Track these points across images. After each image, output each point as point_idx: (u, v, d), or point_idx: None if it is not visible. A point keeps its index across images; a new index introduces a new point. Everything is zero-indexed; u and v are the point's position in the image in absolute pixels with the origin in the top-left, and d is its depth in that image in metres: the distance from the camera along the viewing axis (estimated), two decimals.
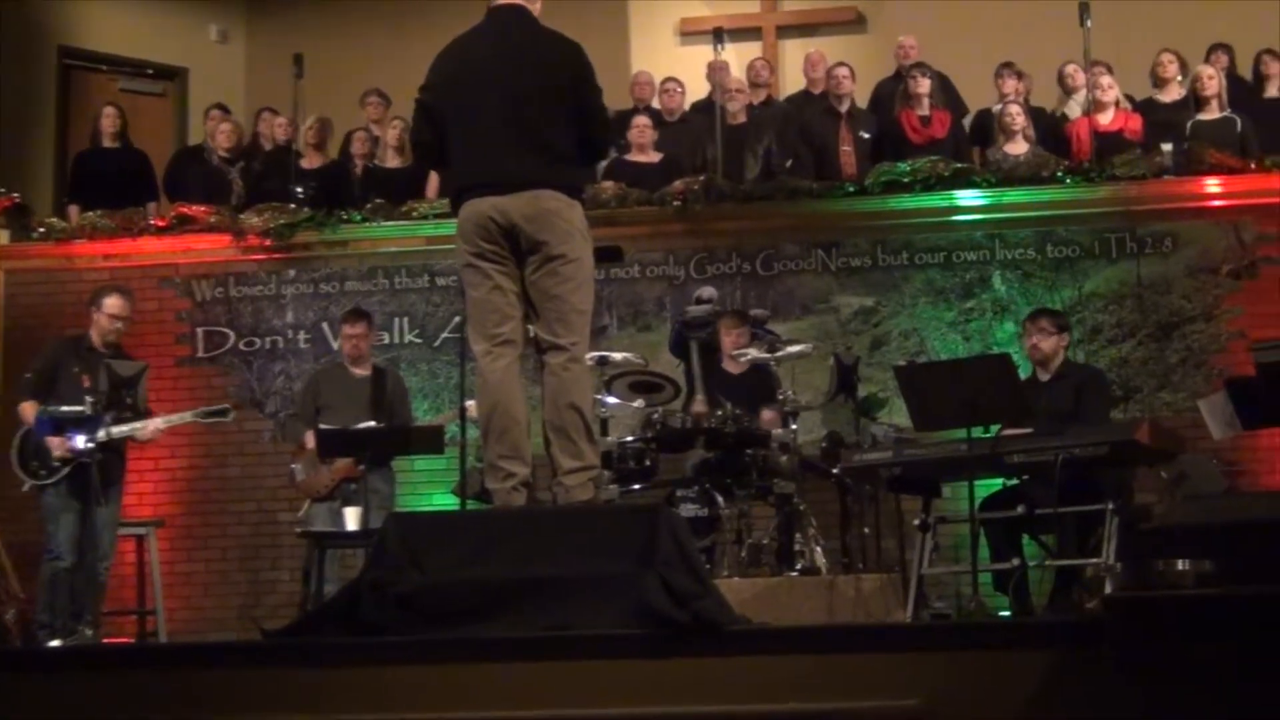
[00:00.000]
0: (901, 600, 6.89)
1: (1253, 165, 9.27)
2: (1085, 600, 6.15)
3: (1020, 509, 6.67)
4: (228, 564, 9.42)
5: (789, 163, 9.97)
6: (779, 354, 7.66)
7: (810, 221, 9.56)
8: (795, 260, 9.49)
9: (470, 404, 6.68)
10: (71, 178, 10.95)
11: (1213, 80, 9.73)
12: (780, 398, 7.56)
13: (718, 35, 10.17)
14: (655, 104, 10.70)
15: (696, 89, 10.89)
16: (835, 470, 7.72)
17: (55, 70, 12.31)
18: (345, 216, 9.75)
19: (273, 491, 9.30)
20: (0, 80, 11.61)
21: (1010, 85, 10.29)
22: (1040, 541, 7.13)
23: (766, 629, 4.89)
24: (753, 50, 11.96)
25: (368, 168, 10.29)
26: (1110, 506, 6.32)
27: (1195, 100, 9.75)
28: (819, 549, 7.24)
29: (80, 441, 7.85)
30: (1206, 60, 10.11)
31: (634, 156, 9.92)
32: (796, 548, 7.16)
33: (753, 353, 7.78)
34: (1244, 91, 10.09)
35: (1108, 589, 5.69)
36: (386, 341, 9.54)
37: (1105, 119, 9.81)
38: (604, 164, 9.47)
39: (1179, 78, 10.03)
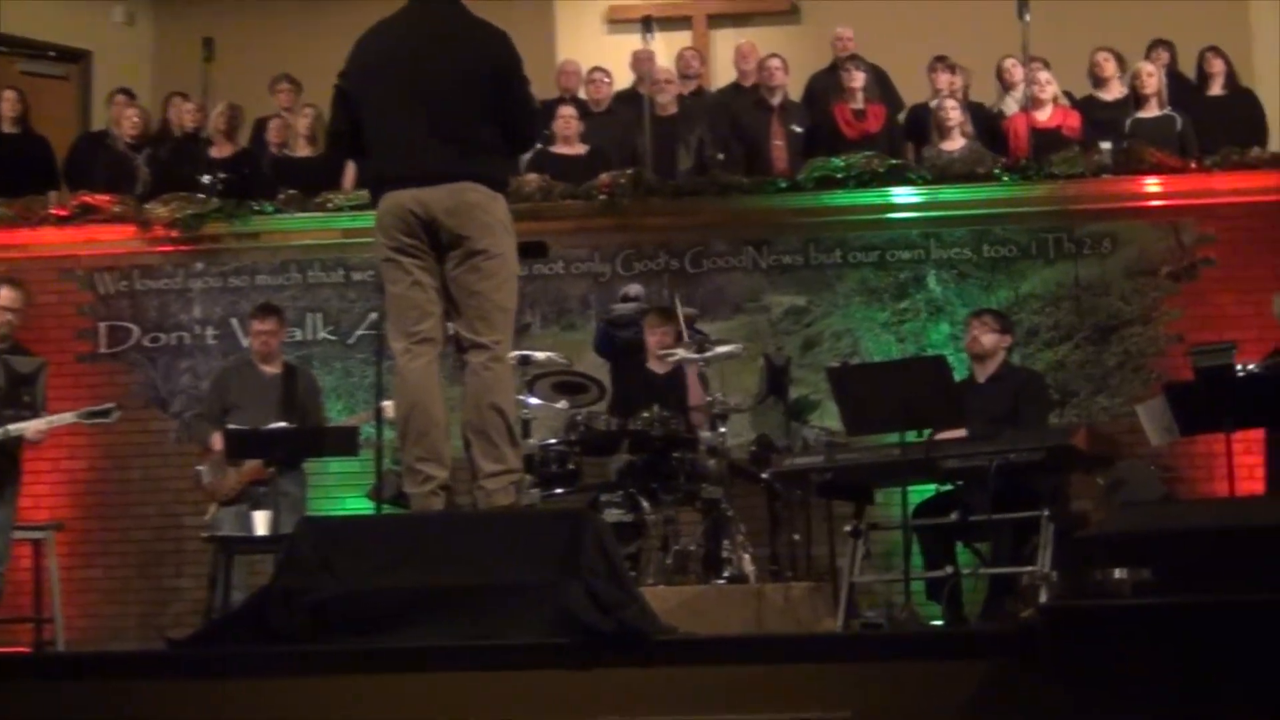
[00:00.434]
0: (832, 609, 6.92)
1: (1193, 165, 9.39)
2: (1020, 609, 6.19)
3: (954, 515, 6.71)
4: (129, 570, 9.31)
5: (720, 155, 9.98)
6: (708, 354, 7.68)
7: (741, 218, 9.58)
8: (725, 258, 9.51)
9: (387, 404, 6.66)
10: None
11: (1152, 78, 9.84)
12: (708, 400, 7.58)
13: (646, 24, 10.18)
14: (581, 94, 10.70)
15: (625, 79, 10.89)
16: (765, 475, 7.74)
17: None
18: (256, 207, 9.66)
19: (178, 494, 9.20)
20: None
21: (944, 80, 10.36)
22: (974, 549, 7.18)
23: (693, 638, 4.90)
24: (682, 40, 11.99)
25: (278, 157, 10.21)
26: (1046, 513, 6.37)
27: (1135, 98, 9.86)
28: (747, 556, 7.27)
29: None
30: (1147, 57, 10.22)
31: (559, 148, 9.91)
32: (724, 555, 7.19)
33: (680, 353, 7.79)
34: (1186, 90, 10.21)
35: (1043, 598, 5.73)
36: (299, 338, 9.47)
37: (1043, 116, 9.90)
38: (527, 156, 9.46)
39: (1119, 75, 10.13)
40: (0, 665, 5.47)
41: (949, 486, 7.06)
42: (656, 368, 8.30)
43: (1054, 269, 9.35)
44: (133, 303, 9.64)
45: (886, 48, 10.99)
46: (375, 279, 8.53)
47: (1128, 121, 9.79)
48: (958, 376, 7.39)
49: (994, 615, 6.79)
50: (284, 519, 7.59)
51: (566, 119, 9.96)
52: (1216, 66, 10.11)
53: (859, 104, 10.07)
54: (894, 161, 9.50)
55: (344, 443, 8.15)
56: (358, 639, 4.56)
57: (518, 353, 7.30)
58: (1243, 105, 10.07)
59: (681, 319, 8.10)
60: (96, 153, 10.52)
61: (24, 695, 4.51)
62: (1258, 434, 8.12)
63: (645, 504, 7.24)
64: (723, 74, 11.81)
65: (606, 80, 10.66)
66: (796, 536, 7.88)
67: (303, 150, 10.17)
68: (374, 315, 9.09)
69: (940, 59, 10.47)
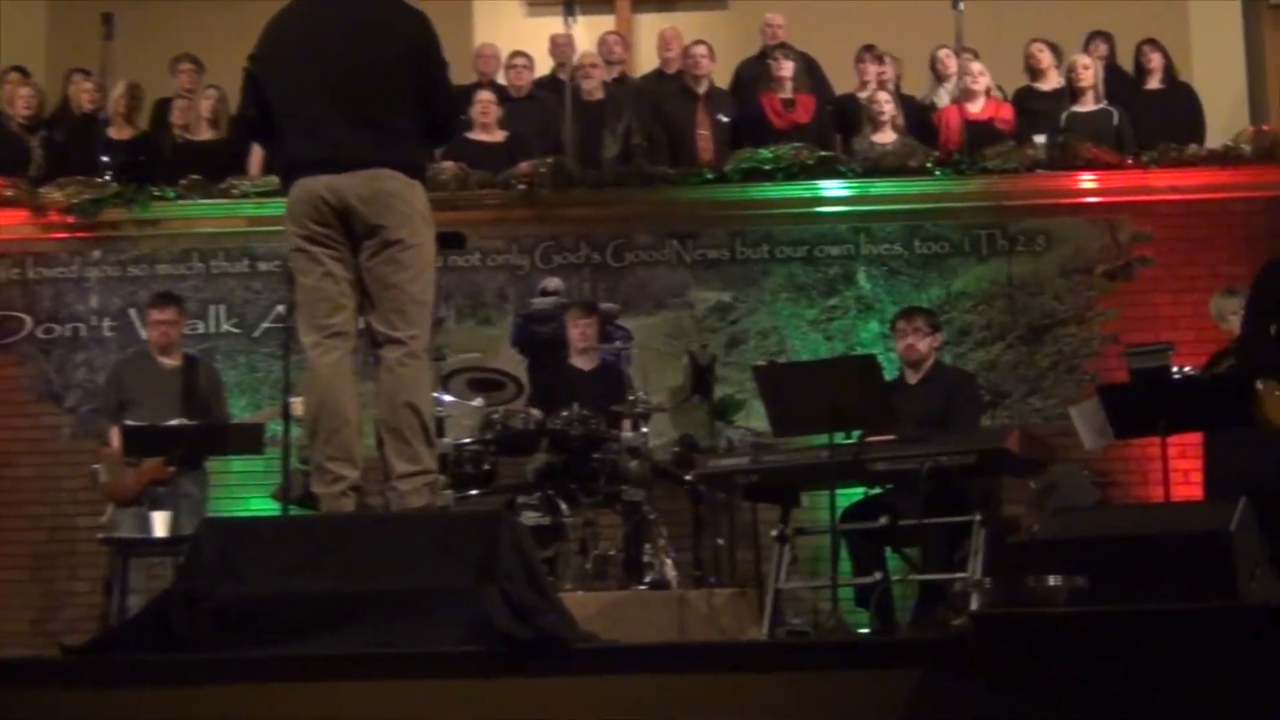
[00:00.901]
0: (757, 616, 6.95)
1: (1129, 160, 9.49)
2: (951, 617, 6.25)
3: (883, 520, 6.74)
4: (20, 573, 9.21)
5: (644, 143, 9.98)
6: (630, 352, 7.68)
7: (665, 210, 9.61)
8: (648, 251, 9.53)
9: (295, 400, 6.62)
10: None
11: (1088, 70, 9.93)
12: (630, 398, 7.59)
13: (568, 7, 10.14)
14: (500, 79, 10.67)
15: (547, 64, 10.87)
16: (688, 477, 7.76)
17: None
18: (157, 193, 9.58)
19: (72, 494, 9.11)
20: None
21: (872, 70, 10.41)
22: (904, 555, 7.23)
23: (613, 647, 4.90)
24: (605, 24, 11.95)
25: (180, 141, 10.12)
26: (978, 518, 6.41)
27: (1071, 91, 9.95)
28: (669, 561, 7.29)
29: None
30: (1085, 49, 10.31)
31: (476, 135, 9.87)
32: (645, 559, 7.20)
33: (604, 351, 7.80)
34: (1123, 83, 10.31)
35: (975, 605, 5.77)
36: (201, 331, 9.40)
37: (975, 108, 9.98)
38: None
39: (1055, 66, 10.20)
40: None
41: (878, 490, 7.11)
42: (579, 364, 8.30)
43: (987, 266, 9.43)
44: (25, 292, 9.53)
45: (817, 36, 11.01)
46: (282, 269, 8.48)
47: (1063, 115, 9.87)
48: (887, 376, 7.43)
49: (924, 623, 6.84)
50: (184, 520, 7.53)
51: (485, 105, 9.93)
52: (1154, 60, 10.19)
53: (788, 94, 10.10)
54: (824, 154, 9.54)
55: (248, 440, 8.08)
56: (264, 646, 4.53)
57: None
58: (1180, 100, 10.16)
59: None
60: None
61: None
62: (1193, 438, 8.21)
63: (564, 506, 7.25)
64: (646, 60, 11.80)
65: (527, 65, 10.63)
66: (720, 541, 7.92)
67: (206, 134, 10.08)
68: (281, 308, 9.01)
69: (868, 49, 10.51)
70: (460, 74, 9.58)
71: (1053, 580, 4.73)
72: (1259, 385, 6.33)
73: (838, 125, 10.36)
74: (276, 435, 7.91)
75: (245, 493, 8.98)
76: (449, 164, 9.41)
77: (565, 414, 7.44)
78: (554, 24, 10.67)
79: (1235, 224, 9.39)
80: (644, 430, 7.49)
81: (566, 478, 7.38)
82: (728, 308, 9.44)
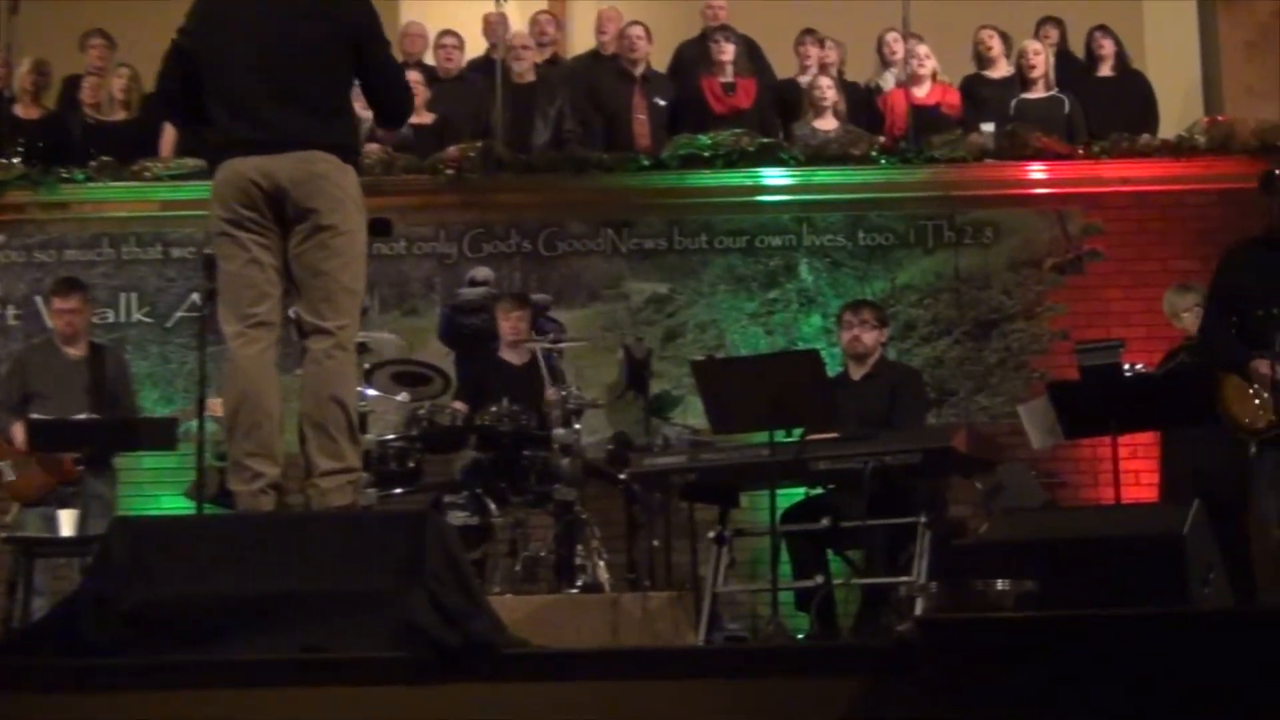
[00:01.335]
0: (693, 621, 6.95)
1: (1080, 150, 9.56)
2: (895, 622, 6.28)
3: (825, 521, 6.75)
4: None
5: (576, 128, 9.96)
6: (562, 346, 7.68)
7: (599, 197, 9.61)
8: (582, 240, 9.53)
9: (214, 402, 6.57)
10: None
11: (1039, 56, 9.98)
12: (563, 394, 7.58)
13: None
14: (429, 60, 10.63)
15: (477, 45, 10.84)
16: (622, 475, 7.76)
17: None
18: (66, 175, 9.51)
19: None
20: None
21: (813, 54, 10.43)
22: (846, 557, 7.24)
23: (544, 652, 4.89)
24: (538, 3, 11.94)
25: (90, 121, 10.03)
26: (923, 520, 6.43)
27: (1021, 79, 10.01)
28: (602, 563, 7.30)
29: None
30: (1035, 35, 10.37)
31: None
32: (578, 561, 7.21)
33: (535, 344, 7.79)
34: (1075, 70, 10.37)
35: (920, 610, 5.81)
36: (111, 320, 9.34)
37: (921, 92, 10.03)
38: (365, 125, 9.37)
39: (1005, 54, 10.25)
40: None
41: (820, 490, 7.13)
42: (509, 357, 8.29)
43: (933, 259, 9.48)
44: None
45: (758, 18, 11.03)
46: (197, 256, 8.47)
47: (1013, 103, 9.92)
48: (830, 372, 7.45)
49: (867, 629, 6.86)
50: (92, 520, 7.47)
51: (412, 86, 9.86)
52: (1106, 47, 10.24)
53: (728, 77, 10.12)
54: (765, 140, 9.56)
55: (161, 435, 8.03)
56: (178, 650, 4.49)
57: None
58: (1132, 89, 10.22)
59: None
60: None
61: None
62: (1145, 438, 8.32)
63: (493, 506, 7.25)
64: (580, 41, 11.79)
65: (456, 45, 10.59)
66: (656, 543, 7.93)
67: (118, 114, 10.00)
68: (195, 296, 8.96)
69: (809, 32, 10.53)
70: None
71: (1000, 584, 4.77)
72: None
73: (779, 111, 10.38)
74: (190, 430, 7.86)
75: (157, 491, 8.93)
76: (374, 147, 9.36)
77: (494, 409, 7.43)
78: (485, 5, 10.63)
79: (1189, 217, 9.48)
80: (577, 427, 7.49)
81: (495, 476, 7.38)
82: (665, 300, 9.44)
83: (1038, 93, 9.95)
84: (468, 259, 9.39)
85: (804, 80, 10.28)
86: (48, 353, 8.49)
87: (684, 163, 9.48)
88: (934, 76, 10.18)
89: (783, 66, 10.72)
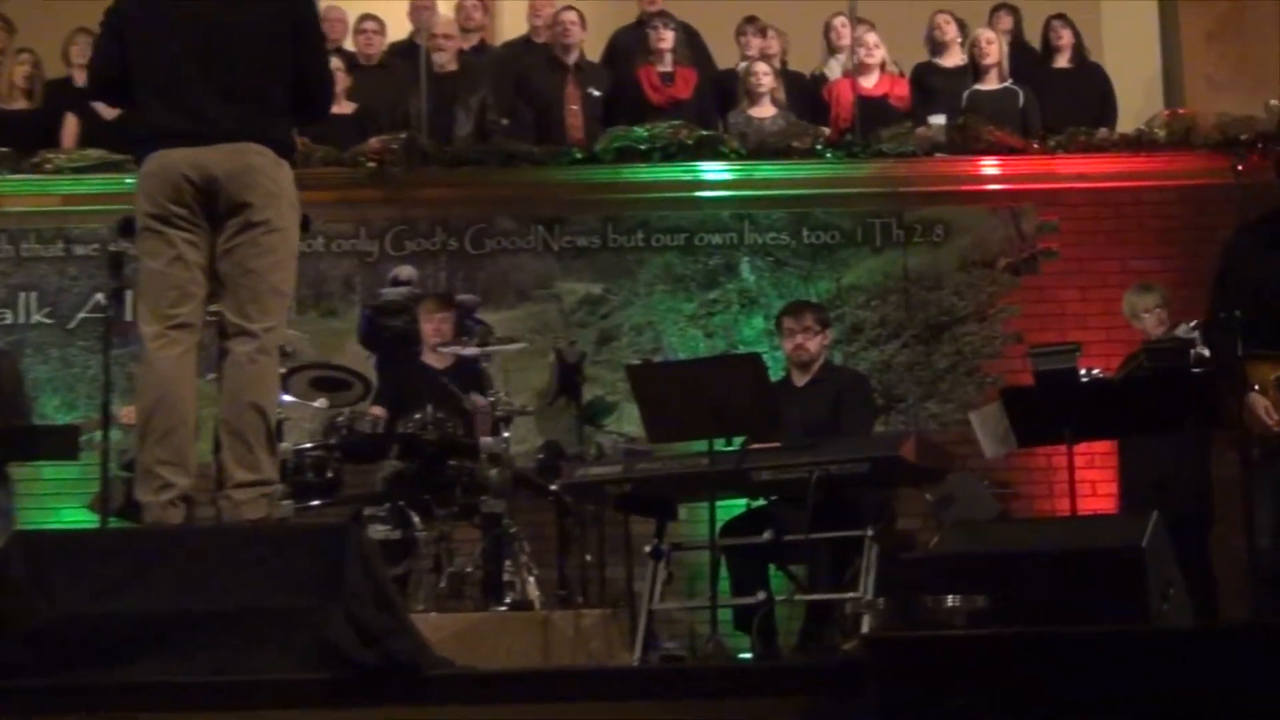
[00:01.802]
0: (628, 640, 6.96)
1: (1035, 145, 9.63)
2: (840, 641, 6.31)
3: (767, 535, 6.78)
4: None
5: (504, 121, 9.95)
6: (490, 349, 7.67)
7: (529, 192, 9.60)
8: (511, 238, 9.52)
9: (127, 410, 6.54)
10: None
11: (992, 45, 10.03)
12: (490, 400, 7.57)
13: None
14: (349, 45, 10.60)
15: (399, 30, 10.81)
16: (553, 487, 7.77)
17: None
18: None
19: None
20: None
21: (755, 44, 10.45)
22: (789, 572, 7.26)
23: (470, 673, 4.89)
24: None
25: None
26: (870, 533, 6.47)
27: (974, 69, 10.06)
28: (532, 579, 7.28)
29: None
30: (989, 22, 10.42)
31: None
32: (506, 577, 7.19)
33: (461, 348, 7.77)
34: (1030, 60, 10.43)
35: (866, 627, 5.82)
36: (9, 321, 9.28)
37: (869, 83, 10.07)
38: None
39: (960, 41, 10.29)
40: None
41: (762, 502, 7.15)
42: (433, 362, 8.27)
43: (880, 258, 9.52)
44: None
45: (699, 4, 11.03)
46: (101, 253, 8.40)
47: (965, 94, 9.97)
48: (773, 377, 7.48)
49: (811, 647, 6.88)
50: None
51: (333, 73, 9.83)
52: (1064, 38, 10.29)
53: (667, 66, 10.13)
54: (705, 133, 9.58)
55: (62, 444, 7.97)
56: (82, 673, 4.47)
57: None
58: (1089, 81, 10.30)
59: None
60: None
61: None
62: (1102, 446, 8.37)
63: (416, 519, 7.22)
64: (510, 28, 11.78)
65: (378, 30, 10.57)
66: (589, 557, 7.93)
67: (18, 103, 9.92)
68: (100, 296, 8.89)
69: (750, 20, 10.55)
70: None
71: (951, 600, 4.80)
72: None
73: (720, 103, 10.39)
74: (95, 439, 7.81)
75: (58, 503, 8.86)
76: None
77: (418, 417, 7.41)
78: None
79: (1148, 215, 9.56)
80: (505, 435, 7.46)
81: (419, 487, 7.35)
82: (598, 300, 9.45)
83: (991, 84, 10.00)
84: (390, 257, 9.37)
85: (742, 68, 10.29)
86: None
87: (619, 156, 9.48)
88: (883, 67, 10.22)
89: (724, 56, 10.75)
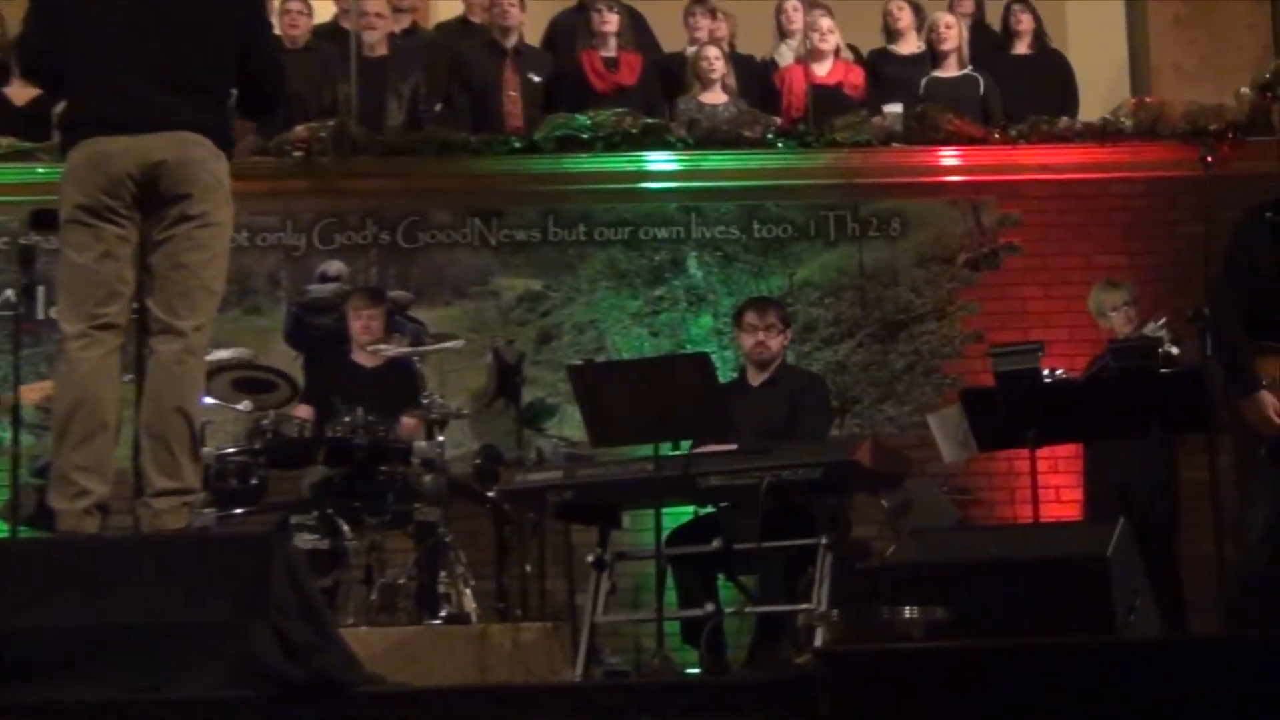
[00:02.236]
0: (570, 654, 6.96)
1: (996, 134, 9.65)
2: (793, 655, 6.33)
3: (716, 543, 6.79)
4: None
5: (438, 107, 9.94)
6: (424, 348, 7.66)
7: (465, 183, 9.59)
8: (446, 231, 9.51)
9: (40, 385, 6.50)
10: None
11: (951, 31, 10.07)
12: (424, 402, 7.56)
13: None
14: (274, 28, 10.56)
15: (325, 12, 10.78)
16: (491, 493, 7.76)
17: None
18: None
19: None
20: None
21: (704, 26, 10.46)
22: (739, 583, 7.28)
23: (404, 690, 4.89)
24: None
25: None
26: (823, 541, 6.48)
27: (932, 55, 10.09)
28: (468, 591, 7.28)
29: None
30: (949, 7, 10.45)
31: None
32: (441, 589, 7.18)
33: (392, 347, 7.76)
34: (991, 46, 10.47)
35: (820, 640, 5.85)
36: None
37: (822, 70, 10.09)
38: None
39: (916, 28, 10.31)
40: None
41: (710, 509, 7.16)
42: (363, 361, 8.25)
43: (835, 253, 9.55)
44: None
45: None
46: (12, 246, 8.37)
47: (923, 81, 10.01)
48: (721, 377, 7.49)
49: (762, 661, 6.91)
50: None
51: None
52: (1024, 22, 10.31)
53: (610, 51, 10.13)
54: (650, 121, 9.57)
55: None
56: None
57: None
58: (1050, 69, 10.35)
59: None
60: None
61: None
62: (1067, 450, 8.42)
63: (345, 528, 7.20)
64: (445, 9, 11.76)
65: (302, 11, 10.52)
66: (528, 568, 7.93)
67: None
68: (9, 293, 8.86)
69: (699, 1, 10.56)
70: None
71: (908, 612, 4.82)
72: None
73: (666, 89, 10.39)
74: (4, 443, 7.77)
75: None
76: None
77: (347, 420, 7.39)
78: None
79: (1114, 208, 9.61)
80: (440, 439, 7.46)
81: (348, 494, 7.33)
82: (538, 297, 9.44)
83: (950, 71, 10.04)
84: (318, 251, 9.35)
85: (691, 52, 10.29)
86: None
87: (560, 145, 9.47)
88: (837, 53, 10.23)
89: (671, 39, 10.75)
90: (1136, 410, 6.80)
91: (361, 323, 8.33)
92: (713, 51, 10.00)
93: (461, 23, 11.00)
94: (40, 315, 8.51)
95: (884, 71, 10.26)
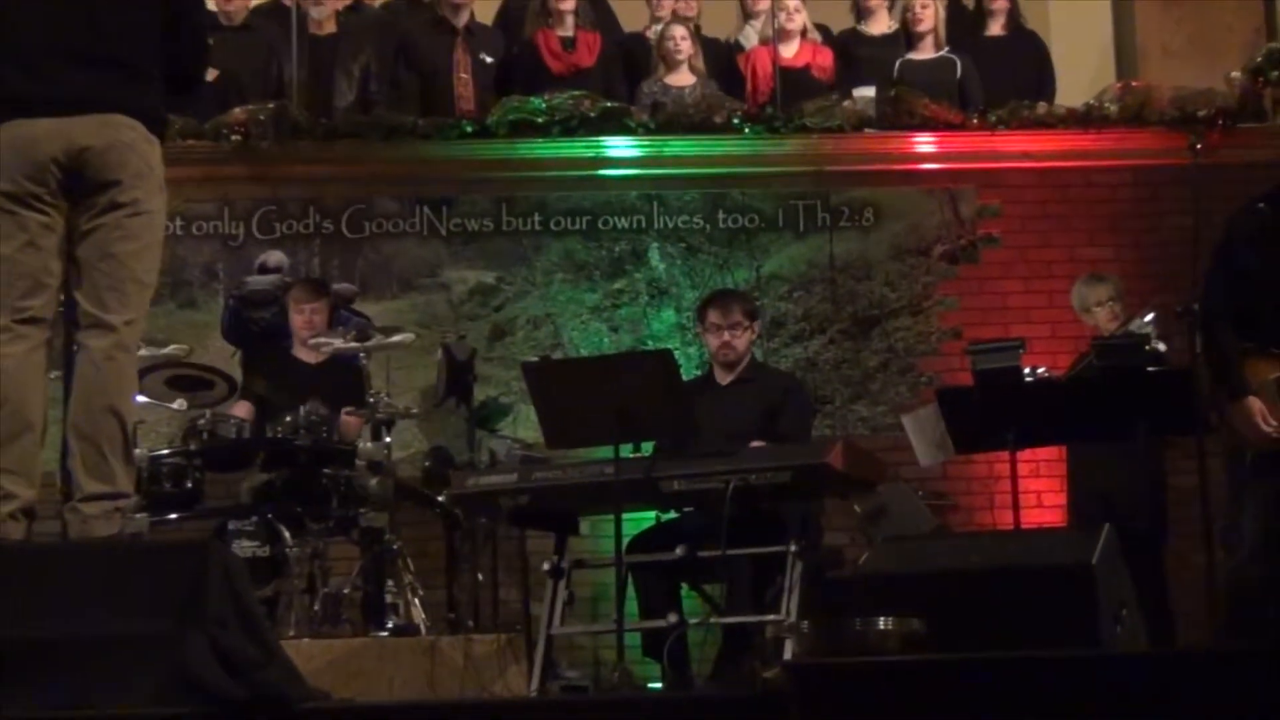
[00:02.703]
0: (525, 668, 6.95)
1: (974, 120, 9.65)
2: (761, 668, 6.32)
3: (679, 551, 6.79)
4: None
5: (373, 88, 9.90)
6: (370, 343, 7.64)
7: (414, 170, 9.58)
8: (393, 220, 9.49)
9: None
10: None
11: (927, 10, 10.06)
12: (371, 401, 7.55)
13: None
14: (210, 5, 10.51)
15: None
16: (441, 498, 7.75)
17: None
18: None
19: None
20: None
21: (668, 4, 10.45)
22: (704, 592, 7.29)
23: (348, 705, 4.89)
24: None
25: None
26: (793, 549, 6.49)
27: (907, 36, 10.10)
28: (417, 601, 7.27)
29: None
30: None
31: None
32: (388, 599, 7.18)
33: (336, 342, 7.74)
34: (967, 26, 10.49)
35: (789, 653, 5.85)
36: None
37: (789, 52, 10.08)
38: None
39: (888, 6, 10.32)
40: None
41: (673, 514, 7.16)
42: (305, 357, 8.23)
43: (804, 244, 9.55)
44: None
45: None
46: None
47: (896, 64, 10.01)
48: (686, 374, 7.48)
49: (728, 675, 6.90)
50: None
51: None
52: (999, 2, 10.33)
53: (568, 30, 10.11)
54: (610, 104, 9.56)
55: None
56: None
57: None
58: (1024, 51, 10.36)
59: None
60: None
61: None
62: (1049, 453, 8.45)
63: (287, 534, 7.18)
64: None
65: None
66: (481, 577, 7.94)
67: None
68: None
69: None
70: None
71: (882, 623, 4.82)
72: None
73: (627, 71, 10.38)
74: None
75: None
76: None
77: (288, 419, 7.38)
78: None
79: (1099, 198, 9.64)
80: (387, 440, 7.44)
81: (290, 498, 7.32)
82: (491, 290, 9.43)
83: (925, 52, 10.04)
84: (257, 241, 9.32)
85: (653, 32, 10.28)
86: None
87: (514, 130, 9.45)
88: (804, 34, 10.23)
89: (632, 19, 10.75)
90: (1122, 411, 6.82)
91: (303, 317, 8.31)
92: (679, 30, 9.98)
93: (408, 1, 10.97)
94: None
95: (855, 53, 10.26)
